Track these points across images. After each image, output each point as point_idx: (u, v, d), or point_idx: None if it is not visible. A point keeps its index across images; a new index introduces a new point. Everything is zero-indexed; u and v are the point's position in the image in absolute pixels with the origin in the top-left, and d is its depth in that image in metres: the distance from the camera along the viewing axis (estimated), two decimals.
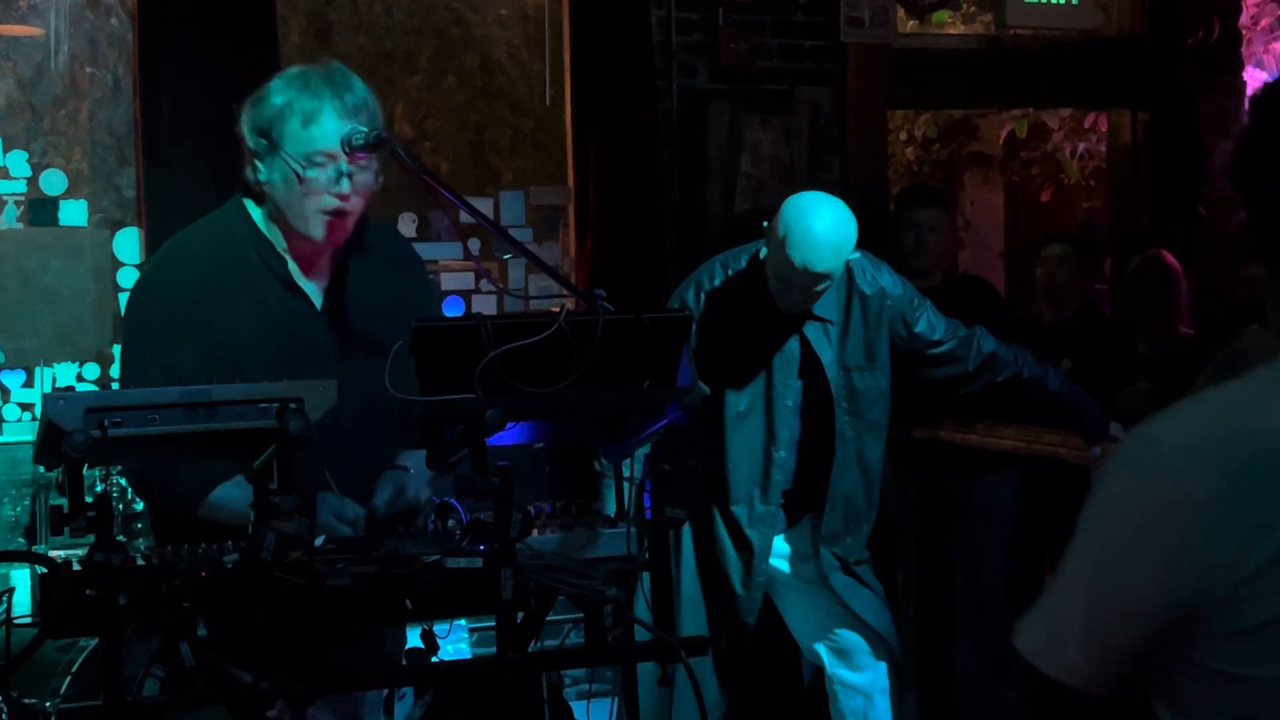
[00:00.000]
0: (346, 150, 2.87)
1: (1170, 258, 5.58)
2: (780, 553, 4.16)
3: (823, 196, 3.82)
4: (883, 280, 4.06)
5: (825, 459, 4.07)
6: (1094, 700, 1.66)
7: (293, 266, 3.01)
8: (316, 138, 2.87)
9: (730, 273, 4.01)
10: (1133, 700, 1.66)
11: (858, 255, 3.88)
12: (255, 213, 3.02)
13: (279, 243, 3.01)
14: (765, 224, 3.85)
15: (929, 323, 4.11)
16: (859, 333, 4.03)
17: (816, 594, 4.13)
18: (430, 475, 2.94)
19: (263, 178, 2.95)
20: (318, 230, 2.93)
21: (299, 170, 2.88)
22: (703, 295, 4.01)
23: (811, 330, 3.99)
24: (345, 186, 2.90)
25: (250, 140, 2.94)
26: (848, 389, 4.03)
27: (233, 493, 2.81)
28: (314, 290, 3.03)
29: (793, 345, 3.99)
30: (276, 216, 2.98)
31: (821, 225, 3.73)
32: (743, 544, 4.06)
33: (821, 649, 4.18)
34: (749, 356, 3.98)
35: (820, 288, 3.83)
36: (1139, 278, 5.57)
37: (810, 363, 4.01)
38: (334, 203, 2.91)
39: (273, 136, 2.90)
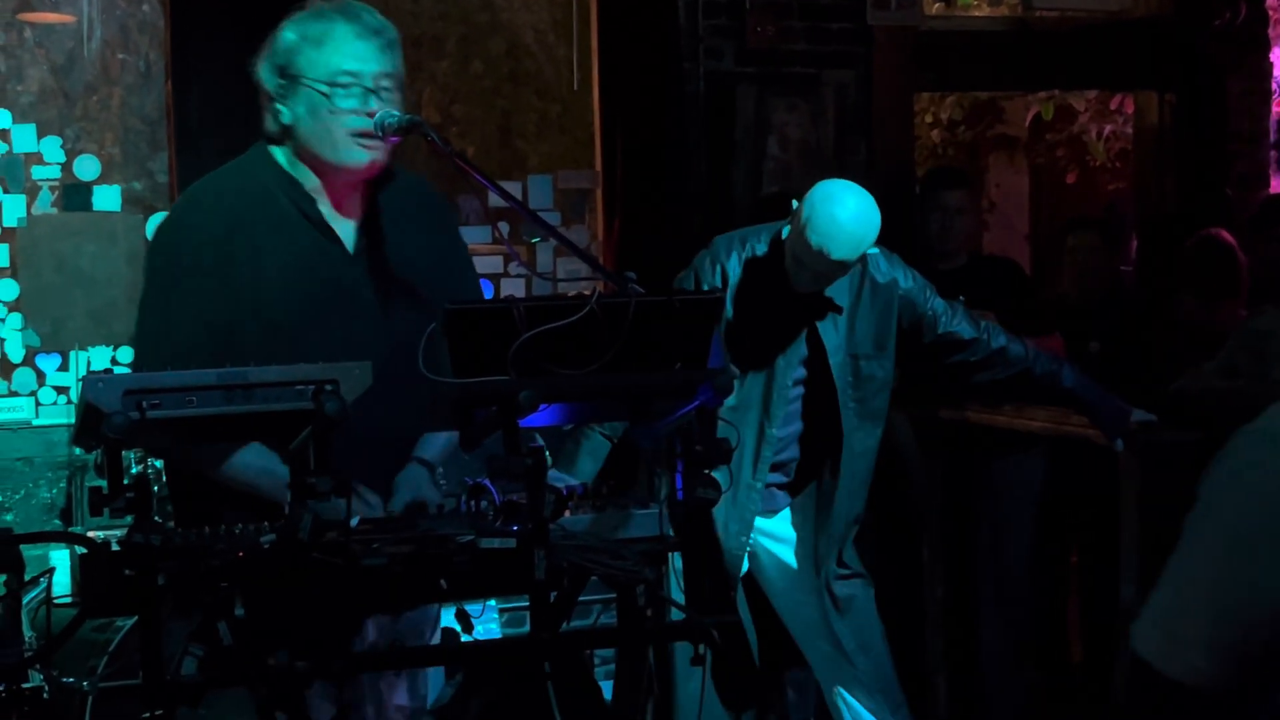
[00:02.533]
0: (380, 133, 2.85)
1: (1227, 235, 5.54)
2: (784, 537, 4.15)
3: (853, 187, 3.80)
4: (895, 273, 4.06)
5: (829, 450, 4.06)
6: (1218, 699, 1.63)
7: (323, 206, 2.96)
8: (334, 59, 2.83)
9: (749, 251, 3.99)
10: (1260, 697, 1.63)
11: (876, 250, 3.88)
12: (279, 155, 2.96)
13: (309, 181, 2.95)
14: (795, 203, 3.84)
15: (939, 312, 4.10)
16: (868, 320, 4.02)
17: (816, 609, 4.10)
18: (458, 462, 2.94)
19: (286, 119, 2.90)
20: (352, 155, 2.88)
21: (324, 90, 2.83)
22: (719, 269, 3.99)
23: (821, 313, 3.98)
24: (374, 104, 2.85)
25: (269, 83, 2.90)
26: (854, 376, 4.02)
27: (249, 458, 2.81)
28: (346, 230, 2.97)
29: (800, 326, 3.98)
30: (304, 154, 2.92)
31: (845, 214, 3.72)
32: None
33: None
34: (756, 335, 3.97)
35: (833, 275, 3.83)
36: (1195, 257, 5.54)
37: (816, 350, 4.00)
38: (365, 122, 2.85)
39: (291, 71, 2.86)
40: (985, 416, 4.96)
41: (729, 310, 3.93)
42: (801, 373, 4.02)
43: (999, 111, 9.03)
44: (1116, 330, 5.54)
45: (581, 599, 2.69)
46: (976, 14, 7.04)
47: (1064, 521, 5.72)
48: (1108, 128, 8.19)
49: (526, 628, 2.51)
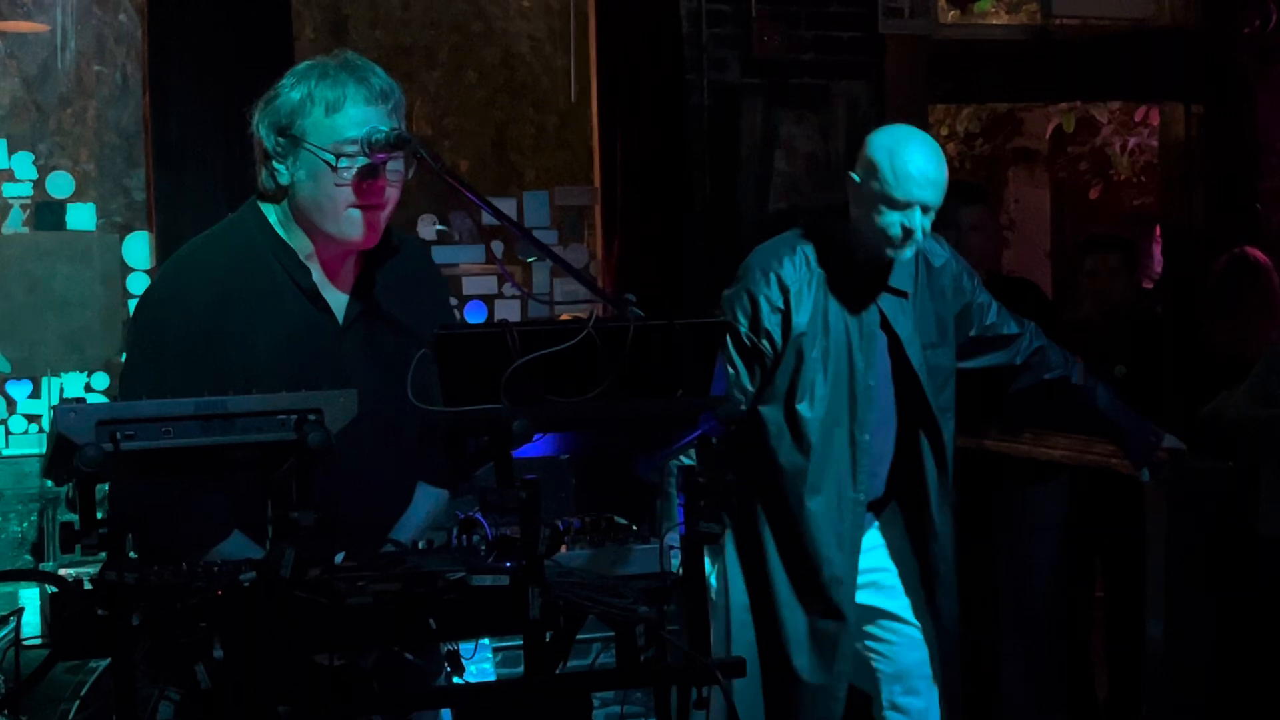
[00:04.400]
0: (366, 150, 2.84)
1: (1260, 254, 5.54)
2: (881, 584, 4.10)
3: (909, 129, 3.88)
4: (948, 254, 4.08)
5: (914, 451, 4.02)
6: None
7: (316, 275, 2.94)
8: (343, 126, 2.81)
9: (800, 255, 3.93)
10: None
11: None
12: (272, 214, 2.93)
13: (302, 247, 2.93)
14: (853, 174, 3.85)
15: (985, 300, 4.12)
16: (929, 307, 4.01)
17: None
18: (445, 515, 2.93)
19: (284, 180, 2.88)
20: (352, 229, 2.86)
21: (329, 159, 2.80)
22: (774, 281, 3.92)
23: (887, 303, 3.96)
24: (379, 176, 2.83)
25: (268, 142, 2.87)
26: (926, 366, 3.99)
27: (232, 549, 2.78)
28: (338, 301, 2.96)
29: (871, 320, 3.95)
30: (300, 219, 2.90)
31: (923, 148, 3.79)
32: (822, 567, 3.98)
33: (878, 665, 4.12)
34: (829, 339, 3.92)
35: (927, 222, 3.82)
36: (1226, 276, 5.54)
37: (891, 345, 3.96)
38: (369, 197, 2.84)
39: (293, 132, 2.83)
40: (1004, 445, 4.96)
41: (799, 317, 3.91)
42: (884, 369, 3.98)
43: (1018, 124, 9.05)
44: (1142, 353, 5.54)
45: (580, 637, 2.68)
46: (994, 22, 7.05)
47: (1088, 554, 5.71)
48: (1132, 140, 8.20)
49: (521, 669, 2.50)
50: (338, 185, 2.83)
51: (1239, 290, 5.49)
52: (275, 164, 2.88)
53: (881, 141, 3.82)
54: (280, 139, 2.85)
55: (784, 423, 3.94)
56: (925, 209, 3.79)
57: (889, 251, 3.84)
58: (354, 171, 2.82)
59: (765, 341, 3.91)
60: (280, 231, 2.93)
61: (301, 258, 2.92)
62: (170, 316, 2.87)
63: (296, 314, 2.90)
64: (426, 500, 3.08)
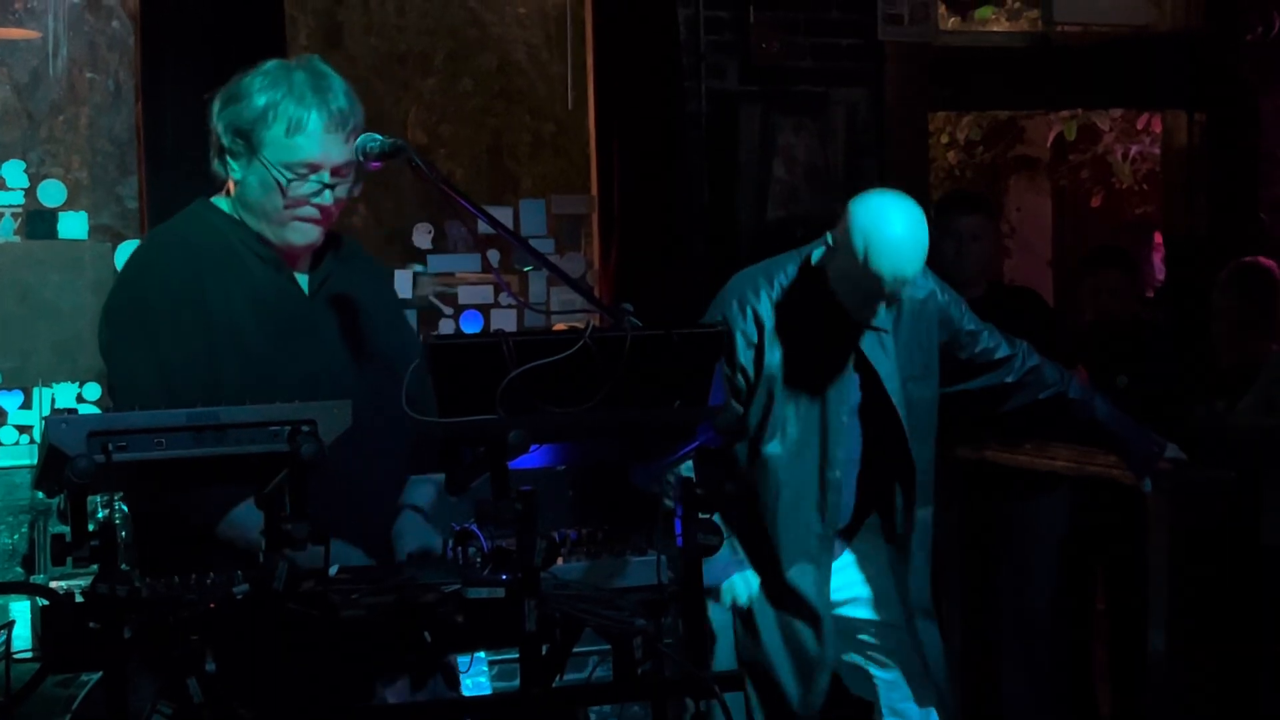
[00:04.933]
0: (361, 158, 2.88)
1: (1267, 262, 5.54)
2: (859, 597, 4.13)
3: (891, 196, 3.80)
4: (931, 284, 4.06)
5: (888, 482, 4.04)
6: None
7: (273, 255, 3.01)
8: (302, 148, 2.89)
9: (776, 287, 3.94)
10: None
11: None
12: (224, 205, 3.02)
13: (257, 232, 3.00)
14: (829, 236, 3.82)
15: (974, 327, 4.11)
16: (912, 339, 4.01)
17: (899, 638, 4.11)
18: (444, 508, 2.94)
19: (236, 176, 2.96)
20: (294, 236, 2.95)
21: (280, 180, 2.89)
22: (750, 312, 3.94)
23: (867, 340, 3.96)
24: (328, 198, 2.94)
25: (225, 138, 2.94)
26: (906, 401, 4.00)
27: (254, 515, 2.79)
28: (299, 278, 3.04)
29: (846, 356, 3.96)
30: (247, 215, 2.99)
31: (903, 228, 3.71)
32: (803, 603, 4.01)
33: (875, 672, 4.13)
34: (801, 373, 3.94)
35: (905, 293, 3.83)
36: (1231, 285, 5.54)
37: (866, 380, 3.98)
38: (314, 213, 2.94)
39: (252, 140, 2.90)
40: (1005, 456, 4.96)
41: (772, 355, 3.91)
42: (855, 405, 3.99)
43: (1019, 131, 9.05)
44: (1145, 363, 5.54)
45: (576, 650, 2.69)
46: (995, 28, 7.06)
47: (1089, 566, 5.71)
48: (1134, 148, 8.21)
49: (517, 682, 2.50)
50: (285, 200, 2.91)
51: (1242, 299, 5.49)
52: (230, 159, 2.96)
53: (861, 223, 3.73)
54: (238, 139, 2.92)
55: (752, 460, 3.95)
56: (905, 284, 3.78)
57: (865, 319, 3.87)
58: (304, 191, 2.91)
59: (740, 376, 3.92)
60: (231, 213, 3.00)
61: (255, 232, 2.99)
62: (149, 288, 2.92)
63: (264, 281, 2.97)
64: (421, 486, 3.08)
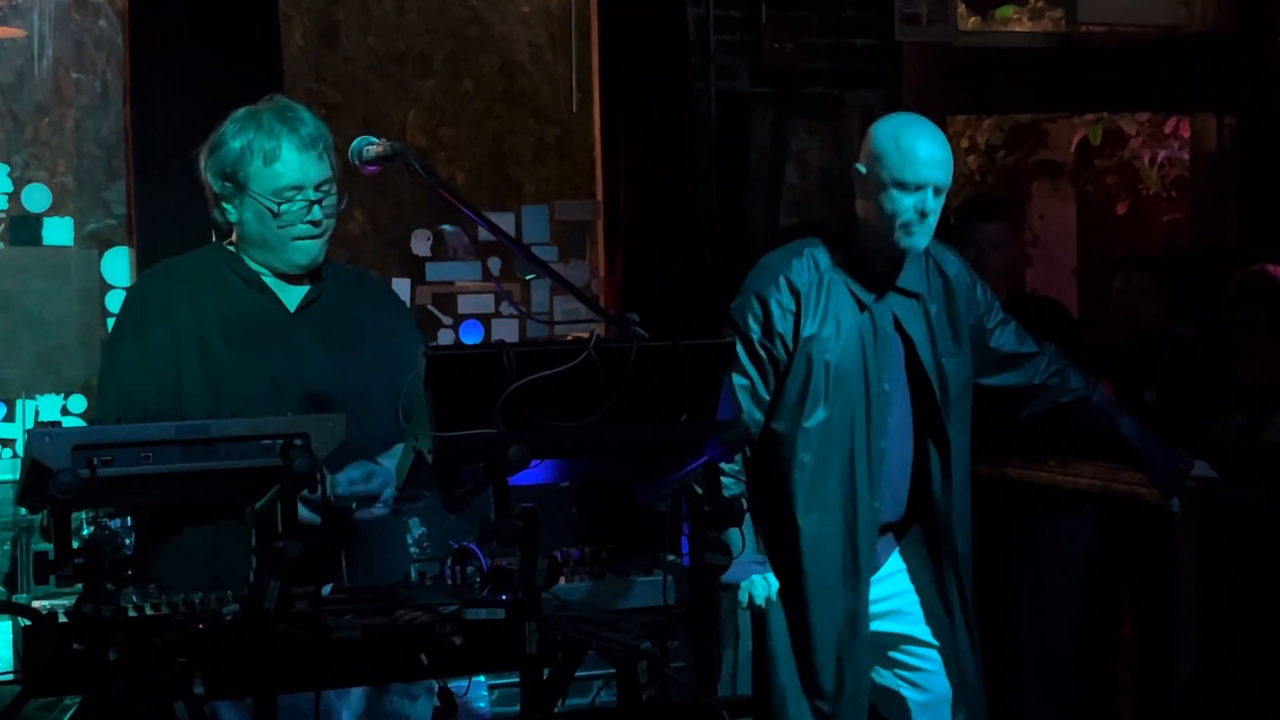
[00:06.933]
0: (357, 163, 2.97)
1: (1276, 271, 5.52)
2: (900, 610, 4.10)
3: (909, 114, 4.03)
4: (961, 264, 4.12)
5: (926, 462, 4.02)
6: None
7: (268, 279, 3.35)
8: (281, 174, 3.23)
9: (809, 257, 3.97)
10: None
11: (941, 245, 4.01)
12: (230, 248, 3.38)
13: (263, 260, 3.34)
14: (859, 165, 3.93)
15: (1001, 316, 4.14)
16: (943, 311, 4.03)
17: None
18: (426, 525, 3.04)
19: (233, 218, 3.31)
20: (299, 256, 3.29)
21: (271, 207, 3.23)
22: (785, 284, 3.95)
23: (899, 305, 3.98)
24: (317, 214, 3.26)
25: (215, 185, 3.29)
26: (939, 374, 4.01)
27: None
28: (289, 295, 3.35)
29: (885, 322, 3.97)
30: (250, 251, 3.33)
31: (928, 123, 3.92)
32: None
33: (907, 694, 4.12)
34: (840, 342, 3.94)
35: (938, 205, 3.87)
36: (1241, 296, 5.52)
37: (906, 348, 3.99)
38: (309, 230, 3.27)
39: (239, 179, 3.26)
40: (1027, 473, 4.96)
41: (809, 323, 3.94)
42: (898, 375, 3.99)
43: (1042, 135, 9.05)
44: (1173, 378, 5.53)
45: (579, 674, 2.69)
46: (1016, 29, 7.06)
47: (1114, 588, 5.70)
48: (1162, 153, 8.20)
49: (518, 707, 2.50)
50: (280, 226, 3.26)
51: (1263, 310, 5.46)
52: (224, 204, 3.31)
53: (885, 128, 3.92)
54: (226, 183, 3.28)
55: (795, 436, 3.95)
56: (936, 190, 3.84)
57: (902, 240, 3.87)
58: (294, 212, 3.25)
59: (779, 346, 3.93)
60: (238, 254, 3.38)
61: (252, 266, 3.35)
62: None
63: (242, 298, 3.31)
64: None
